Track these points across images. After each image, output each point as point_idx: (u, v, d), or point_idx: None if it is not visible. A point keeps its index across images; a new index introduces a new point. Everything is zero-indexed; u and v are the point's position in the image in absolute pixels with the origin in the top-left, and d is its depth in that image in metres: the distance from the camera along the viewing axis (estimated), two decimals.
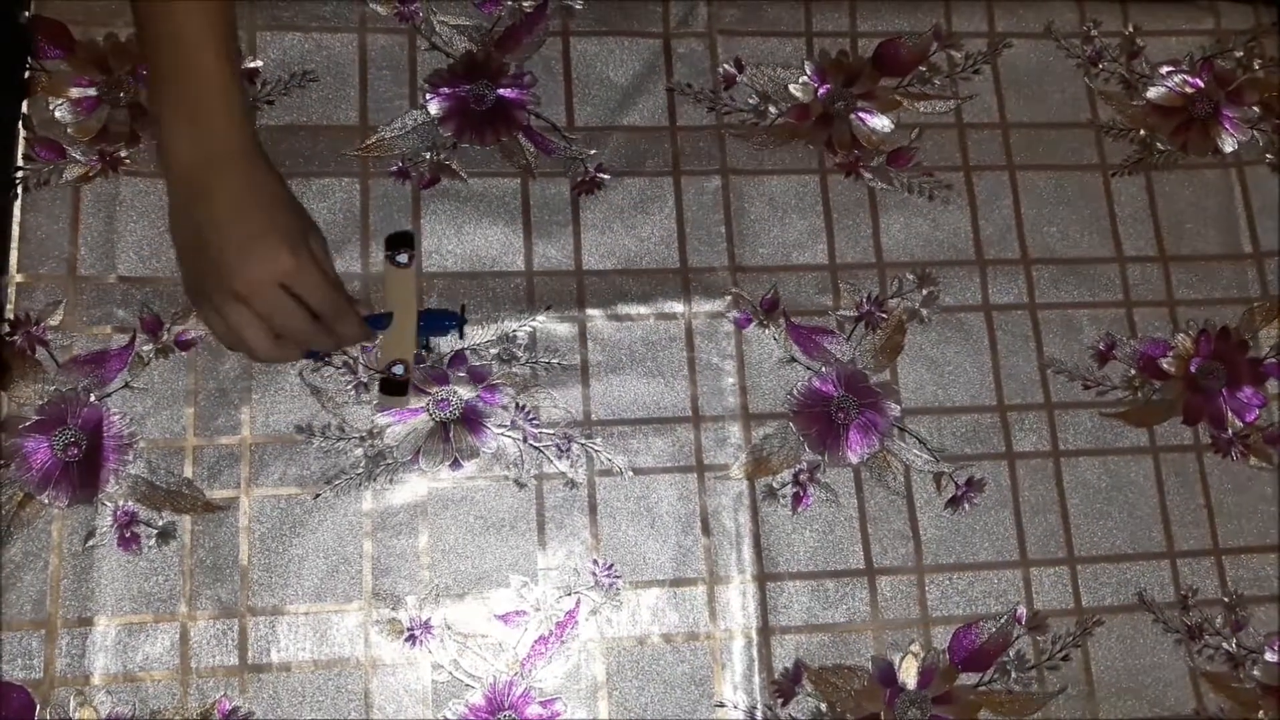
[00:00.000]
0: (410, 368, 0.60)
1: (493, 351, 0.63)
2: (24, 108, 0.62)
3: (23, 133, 0.62)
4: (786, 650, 0.61)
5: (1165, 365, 0.68)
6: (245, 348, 0.55)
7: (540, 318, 0.64)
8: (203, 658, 0.57)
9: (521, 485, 0.61)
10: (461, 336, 0.62)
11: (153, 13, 0.52)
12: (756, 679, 0.60)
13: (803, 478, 0.63)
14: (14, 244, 0.60)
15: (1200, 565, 0.65)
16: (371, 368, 0.61)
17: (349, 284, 0.62)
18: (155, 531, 0.58)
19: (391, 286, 0.61)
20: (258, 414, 0.60)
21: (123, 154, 0.62)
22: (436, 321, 0.62)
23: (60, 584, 0.57)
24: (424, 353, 0.61)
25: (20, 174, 0.61)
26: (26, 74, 0.63)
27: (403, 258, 0.61)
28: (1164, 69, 0.74)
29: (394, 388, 0.60)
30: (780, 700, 0.60)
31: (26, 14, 0.63)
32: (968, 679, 0.62)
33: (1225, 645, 0.64)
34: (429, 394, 0.61)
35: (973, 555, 0.63)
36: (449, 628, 0.59)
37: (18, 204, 0.61)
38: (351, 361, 0.61)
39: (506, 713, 0.58)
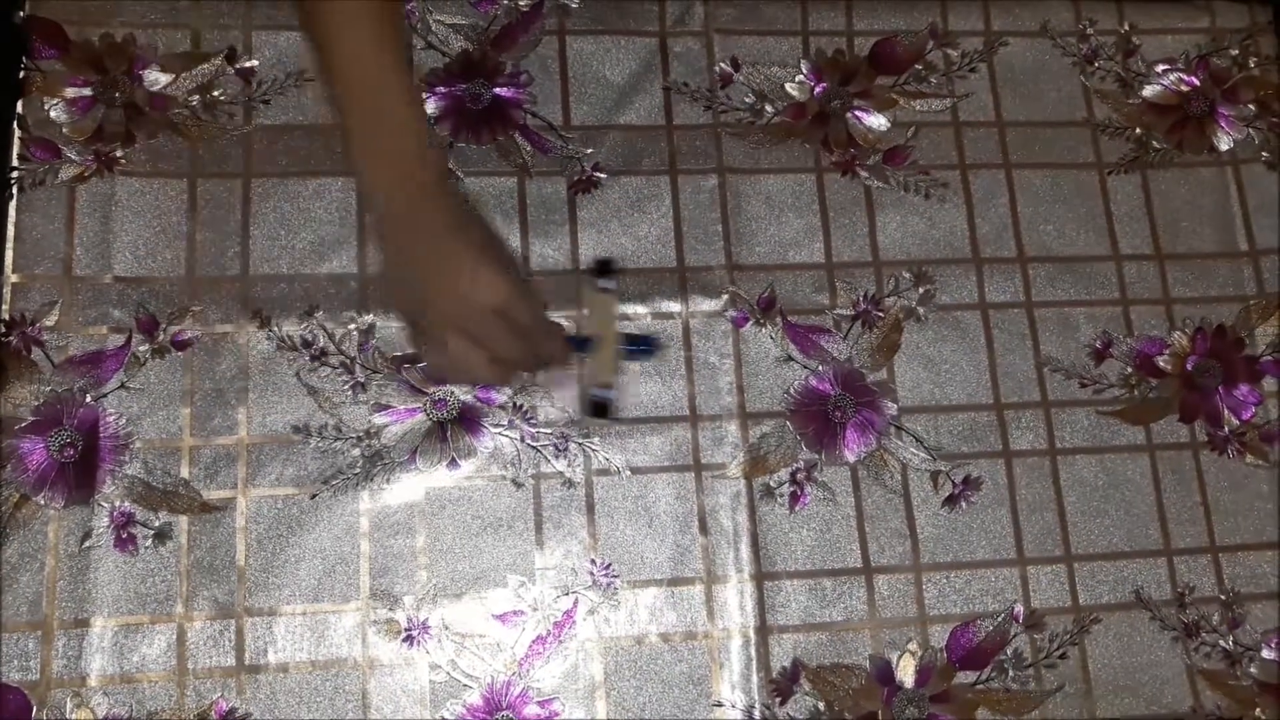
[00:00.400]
0: (615, 390, 0.60)
1: None
2: (19, 107, 0.62)
3: (18, 133, 0.62)
4: (784, 649, 0.61)
5: (1162, 363, 0.68)
6: (468, 377, 0.56)
7: None
8: (200, 658, 0.57)
9: (519, 485, 0.61)
10: (647, 354, 0.63)
11: (347, 57, 0.51)
12: (754, 678, 0.60)
13: (800, 476, 0.63)
14: (9, 244, 0.60)
15: (1197, 563, 0.65)
16: (559, 388, 0.62)
17: (345, 285, 0.62)
18: (152, 532, 0.58)
19: (595, 311, 0.61)
20: (254, 414, 0.60)
21: (118, 154, 0.62)
22: (635, 346, 0.62)
23: (57, 585, 0.57)
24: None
25: (15, 174, 0.61)
26: (21, 74, 0.62)
27: (606, 283, 0.61)
28: (1160, 67, 0.74)
29: (602, 410, 0.60)
30: (778, 699, 0.60)
31: (21, 14, 0.63)
32: (965, 677, 0.62)
33: (1222, 643, 0.64)
34: (426, 394, 0.61)
35: (970, 554, 0.64)
36: (447, 628, 0.59)
37: (13, 204, 0.61)
38: (348, 362, 0.61)
39: (504, 713, 0.58)
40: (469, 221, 0.54)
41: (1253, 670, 0.64)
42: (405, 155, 0.52)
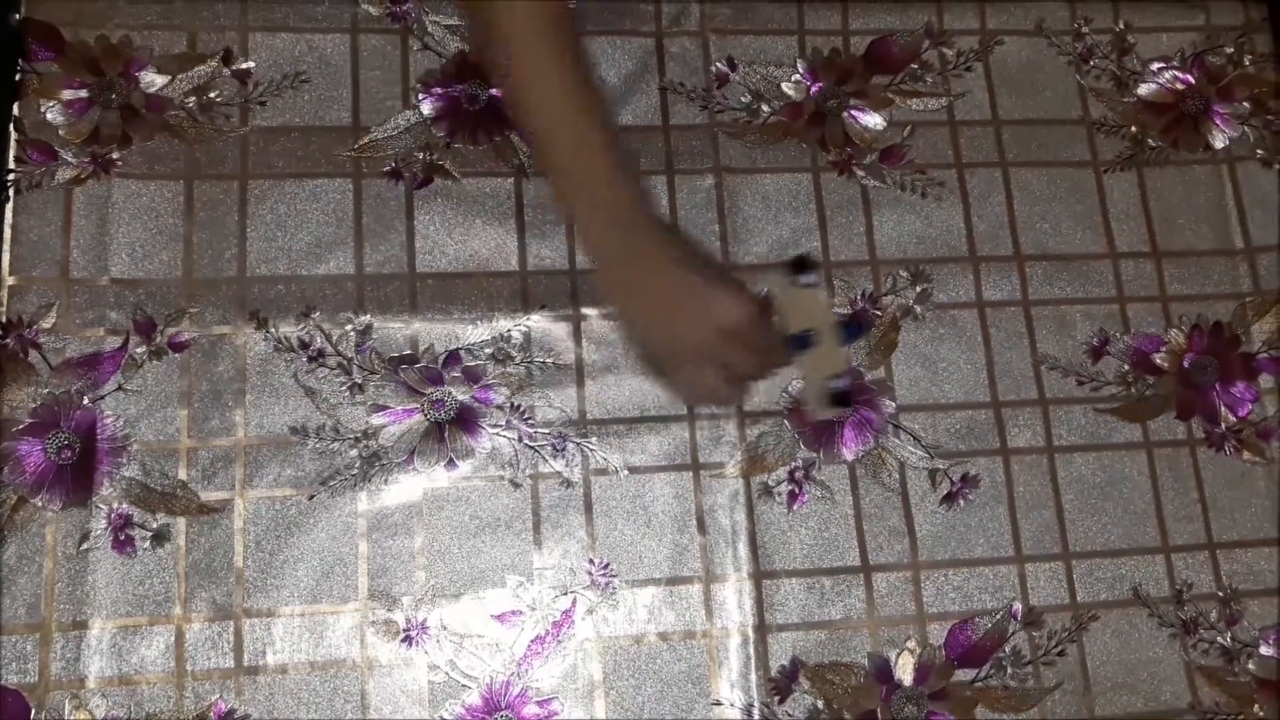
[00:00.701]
0: (846, 377, 0.61)
1: (487, 351, 0.63)
2: (15, 110, 0.62)
3: (14, 135, 0.62)
4: (783, 648, 0.61)
5: (1158, 360, 0.68)
6: (712, 400, 0.57)
7: (535, 317, 0.64)
8: (198, 660, 0.57)
9: (517, 485, 0.61)
10: (860, 336, 0.64)
11: (543, 93, 0.52)
12: (753, 677, 0.60)
13: (798, 475, 0.63)
14: (6, 247, 0.60)
15: (1195, 560, 0.65)
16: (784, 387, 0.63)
17: (343, 286, 0.62)
18: (150, 534, 0.58)
19: (803, 307, 0.61)
20: (252, 415, 0.60)
21: (115, 156, 0.62)
22: (852, 330, 0.63)
23: (55, 587, 0.56)
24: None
25: (12, 176, 0.61)
26: (18, 76, 0.62)
27: (809, 278, 0.61)
28: (1155, 66, 0.74)
29: (844, 399, 0.61)
30: (777, 698, 0.60)
31: (17, 16, 0.63)
32: (964, 675, 0.62)
33: (1220, 639, 0.64)
34: (424, 394, 0.61)
35: (968, 551, 0.64)
36: (445, 628, 0.59)
37: (9, 206, 0.61)
38: (345, 363, 0.61)
39: (503, 713, 0.58)
40: (686, 247, 0.55)
41: (1251, 667, 0.64)
42: (613, 202, 0.53)
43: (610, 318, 0.63)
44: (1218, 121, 0.73)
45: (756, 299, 0.54)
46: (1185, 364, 0.68)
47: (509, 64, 0.53)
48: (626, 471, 0.62)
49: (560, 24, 0.52)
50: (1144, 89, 0.73)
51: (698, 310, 0.52)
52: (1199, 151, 0.73)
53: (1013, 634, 0.63)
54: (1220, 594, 0.65)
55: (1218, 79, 0.74)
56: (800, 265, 0.62)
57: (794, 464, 0.63)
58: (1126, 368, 0.68)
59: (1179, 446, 0.67)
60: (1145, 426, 0.67)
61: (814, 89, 0.70)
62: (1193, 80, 0.74)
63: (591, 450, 0.62)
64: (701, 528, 0.62)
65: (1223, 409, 0.68)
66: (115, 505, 0.58)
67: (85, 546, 0.57)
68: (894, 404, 0.65)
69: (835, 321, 0.61)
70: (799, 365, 0.60)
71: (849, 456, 0.64)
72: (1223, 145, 0.73)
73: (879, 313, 0.66)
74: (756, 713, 0.59)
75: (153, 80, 0.64)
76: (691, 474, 0.63)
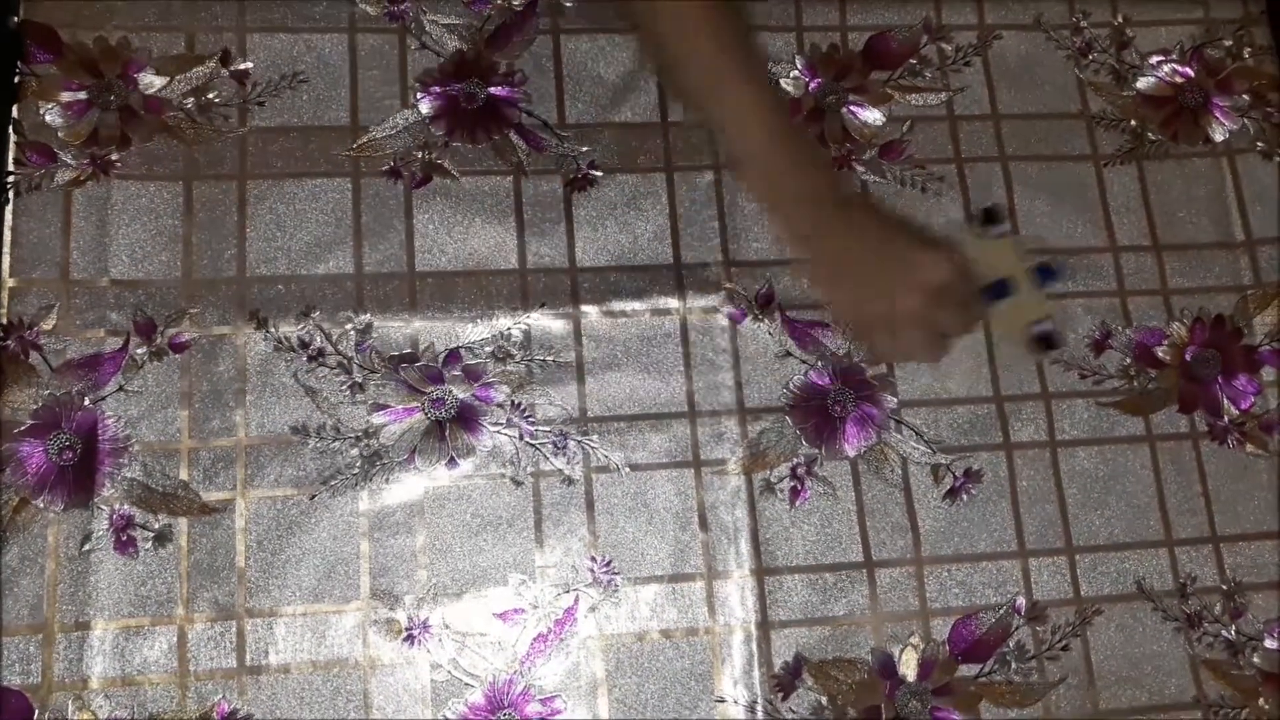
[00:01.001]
0: (1052, 320, 0.60)
1: (487, 350, 0.63)
2: (14, 112, 0.62)
3: (13, 137, 0.62)
4: (786, 644, 0.61)
5: (1160, 354, 0.68)
6: (923, 357, 0.58)
7: (534, 315, 0.64)
8: (201, 660, 0.57)
9: (518, 483, 0.61)
10: (1062, 276, 0.63)
11: (732, 95, 0.53)
12: (756, 673, 0.60)
13: (800, 471, 0.63)
14: (6, 249, 0.60)
15: (1198, 553, 0.65)
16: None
17: (342, 285, 0.62)
18: (151, 534, 0.58)
19: (994, 258, 0.59)
20: (253, 415, 0.60)
21: (114, 157, 0.62)
22: (1047, 273, 0.61)
23: (57, 588, 0.56)
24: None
25: (11, 178, 0.61)
26: (16, 78, 0.62)
27: (1001, 228, 0.62)
28: (1154, 59, 0.74)
29: (1052, 342, 0.61)
30: (780, 694, 0.60)
31: (15, 18, 0.63)
32: (968, 670, 0.62)
33: (1224, 633, 0.64)
34: (424, 393, 0.61)
35: (971, 546, 0.63)
36: (447, 627, 0.59)
37: (9, 209, 0.61)
38: (346, 362, 0.61)
39: (506, 711, 0.58)
40: (884, 216, 0.56)
41: (1255, 660, 0.64)
42: (816, 192, 0.54)
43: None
44: (1217, 114, 0.73)
45: (958, 255, 0.54)
46: (1187, 357, 0.68)
47: (697, 73, 0.54)
48: (628, 469, 0.62)
49: (736, 26, 0.54)
50: (1143, 82, 0.73)
51: (907, 276, 0.53)
52: (1199, 144, 0.72)
53: (1016, 629, 0.62)
54: (1224, 587, 0.65)
55: (1217, 72, 0.74)
56: (990, 216, 0.62)
57: (796, 460, 0.63)
58: (1128, 361, 0.68)
59: (1182, 440, 0.67)
60: (1148, 420, 0.67)
61: (813, 85, 0.70)
62: (1192, 73, 0.74)
63: (593, 448, 0.62)
64: (703, 524, 0.62)
65: (1225, 402, 0.68)
66: (117, 506, 0.58)
67: (87, 547, 0.57)
68: (896, 399, 0.65)
69: (1030, 267, 0.61)
70: (995, 315, 0.60)
71: (851, 452, 0.64)
72: (1222, 138, 0.73)
73: None
74: (760, 710, 0.59)
75: (151, 81, 0.64)
76: (693, 471, 0.62)
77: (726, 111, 0.53)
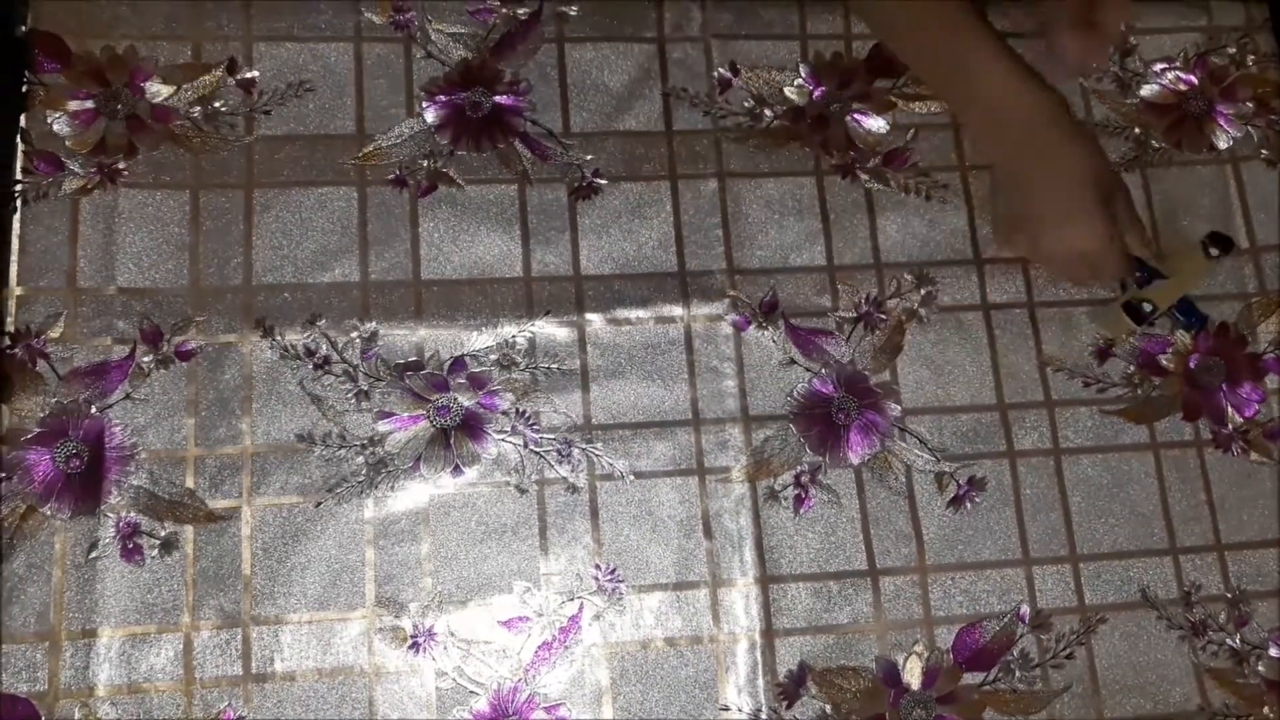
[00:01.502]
0: (1156, 313, 0.66)
1: (492, 358, 0.63)
2: (22, 121, 0.62)
3: (21, 146, 0.62)
4: (790, 652, 0.61)
5: (1164, 361, 0.68)
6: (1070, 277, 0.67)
7: (539, 323, 0.64)
8: (206, 668, 0.57)
9: (523, 491, 0.61)
10: (1194, 330, 0.68)
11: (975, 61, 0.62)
12: (761, 681, 0.60)
13: (804, 479, 0.63)
14: (13, 257, 0.61)
15: (1203, 561, 0.65)
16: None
17: (348, 293, 0.63)
18: (158, 542, 0.58)
19: (1187, 264, 0.67)
20: (259, 423, 0.60)
21: (121, 166, 0.63)
22: (1187, 311, 0.67)
23: (64, 596, 0.57)
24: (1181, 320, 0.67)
25: (19, 187, 0.61)
26: (24, 88, 0.63)
27: (1215, 250, 0.67)
28: (1157, 66, 0.74)
29: (1136, 314, 0.66)
30: (785, 702, 0.60)
31: (23, 27, 0.63)
32: (972, 678, 0.62)
33: (1229, 641, 0.64)
34: (429, 401, 0.61)
35: (975, 554, 0.63)
36: (452, 634, 0.59)
37: (17, 217, 0.61)
38: (351, 370, 0.61)
39: (511, 719, 0.58)
40: (1084, 167, 0.62)
41: (1260, 668, 0.63)
42: (1074, 159, 0.62)
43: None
44: (1221, 122, 0.73)
45: (1114, 235, 0.62)
46: (1191, 365, 0.68)
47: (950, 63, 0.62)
48: (632, 476, 0.62)
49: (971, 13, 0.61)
50: (1147, 90, 0.73)
51: (1054, 223, 0.62)
52: (1203, 152, 0.72)
53: (1021, 637, 0.62)
54: (1229, 595, 0.65)
55: (1220, 79, 0.74)
56: (1216, 241, 0.67)
57: (800, 468, 0.63)
58: (1132, 369, 0.68)
59: (1186, 448, 0.67)
60: (1152, 428, 0.67)
61: (817, 93, 0.70)
62: (1195, 81, 0.74)
63: (597, 455, 0.62)
64: (708, 532, 0.62)
65: (1229, 410, 0.68)
66: (123, 514, 0.58)
67: (94, 555, 0.57)
68: (900, 407, 0.65)
69: (1179, 299, 0.66)
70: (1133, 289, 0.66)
71: (855, 460, 0.64)
72: (1226, 146, 0.73)
73: (884, 316, 0.66)
74: (764, 717, 0.59)
75: (158, 90, 0.64)
76: (697, 479, 0.63)
77: (992, 92, 0.61)
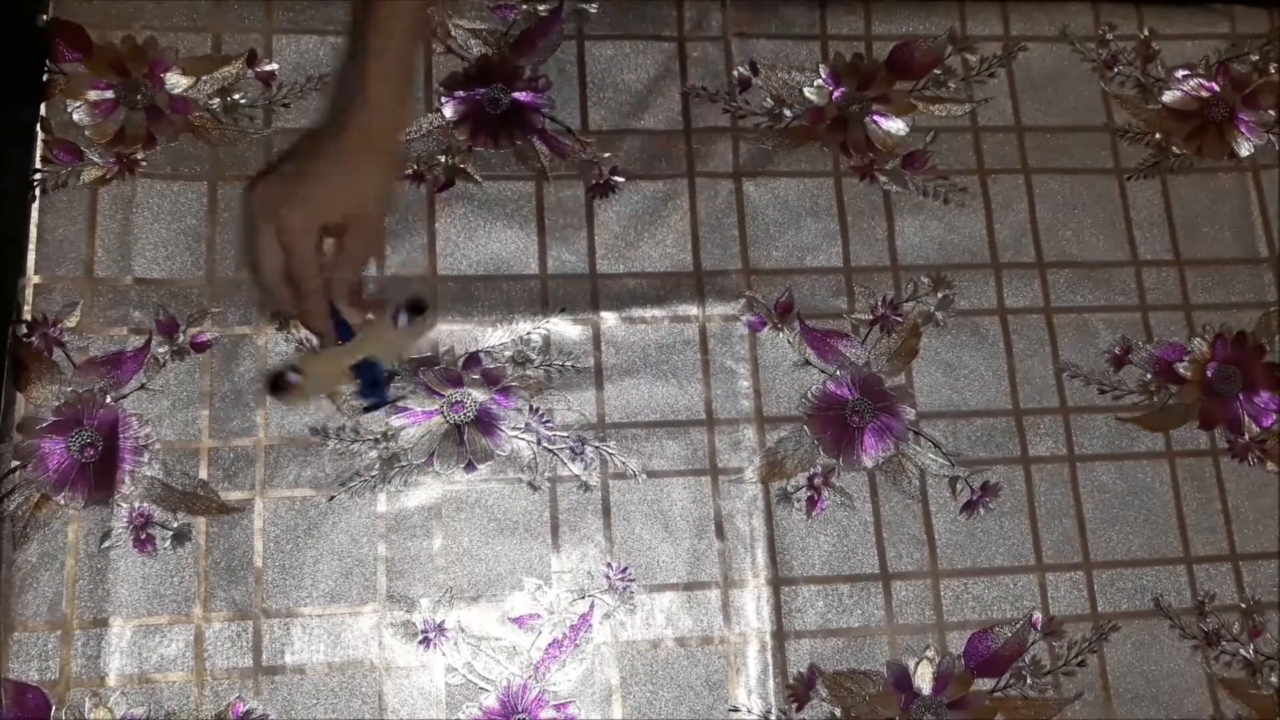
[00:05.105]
0: (304, 380, 0.58)
1: (507, 354, 0.63)
2: (42, 110, 0.62)
3: (41, 135, 0.62)
4: (801, 655, 0.60)
5: (1181, 369, 0.68)
6: (254, 260, 0.55)
7: (554, 320, 0.64)
8: (217, 659, 0.57)
9: (535, 488, 0.61)
10: (366, 409, 0.60)
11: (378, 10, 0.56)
12: (771, 683, 0.60)
13: (817, 481, 0.63)
14: (31, 246, 0.61)
15: (1217, 571, 0.65)
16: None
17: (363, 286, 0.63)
18: (170, 533, 0.58)
19: (374, 328, 0.57)
20: (272, 416, 0.60)
21: (139, 156, 0.63)
22: (370, 377, 0.58)
23: (76, 585, 0.57)
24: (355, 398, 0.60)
25: (38, 176, 0.61)
26: (45, 77, 0.63)
27: (404, 319, 0.59)
28: (1179, 73, 0.73)
29: (277, 389, 0.59)
30: (795, 705, 0.60)
31: (44, 17, 0.63)
32: (983, 684, 0.61)
33: (1243, 651, 0.63)
34: (443, 396, 0.61)
35: (988, 560, 0.63)
36: (463, 630, 0.59)
37: (35, 206, 0.61)
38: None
39: (520, 716, 0.58)
40: (386, 194, 0.57)
41: (1274, 679, 0.63)
42: (394, 97, 0.56)
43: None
44: (1242, 129, 0.73)
45: (362, 248, 0.56)
46: (1208, 373, 0.68)
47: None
48: (645, 475, 0.62)
49: None
50: (1168, 96, 0.73)
51: (318, 184, 0.54)
52: (1223, 159, 0.72)
53: (1032, 643, 0.62)
54: (1243, 605, 0.64)
55: (1243, 86, 0.73)
56: (411, 307, 0.59)
57: (813, 470, 0.63)
58: (1149, 376, 0.67)
59: (1202, 456, 0.67)
60: (1168, 436, 0.67)
61: (836, 94, 0.70)
62: (1217, 87, 0.73)
63: (610, 454, 0.62)
64: (720, 533, 0.62)
65: (1246, 419, 0.67)
66: (136, 504, 0.58)
67: (106, 545, 0.57)
68: (914, 410, 0.65)
69: (364, 359, 0.57)
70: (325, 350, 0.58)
71: (869, 463, 0.64)
72: (1248, 153, 0.72)
73: (900, 319, 0.66)
74: (774, 719, 0.59)
75: (177, 81, 0.64)
76: (710, 479, 0.62)
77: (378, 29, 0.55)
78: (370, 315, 0.58)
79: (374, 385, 0.58)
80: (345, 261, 0.56)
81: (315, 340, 0.60)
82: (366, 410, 0.60)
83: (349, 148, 0.54)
